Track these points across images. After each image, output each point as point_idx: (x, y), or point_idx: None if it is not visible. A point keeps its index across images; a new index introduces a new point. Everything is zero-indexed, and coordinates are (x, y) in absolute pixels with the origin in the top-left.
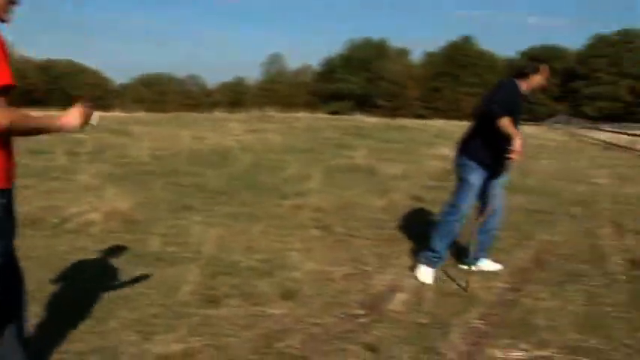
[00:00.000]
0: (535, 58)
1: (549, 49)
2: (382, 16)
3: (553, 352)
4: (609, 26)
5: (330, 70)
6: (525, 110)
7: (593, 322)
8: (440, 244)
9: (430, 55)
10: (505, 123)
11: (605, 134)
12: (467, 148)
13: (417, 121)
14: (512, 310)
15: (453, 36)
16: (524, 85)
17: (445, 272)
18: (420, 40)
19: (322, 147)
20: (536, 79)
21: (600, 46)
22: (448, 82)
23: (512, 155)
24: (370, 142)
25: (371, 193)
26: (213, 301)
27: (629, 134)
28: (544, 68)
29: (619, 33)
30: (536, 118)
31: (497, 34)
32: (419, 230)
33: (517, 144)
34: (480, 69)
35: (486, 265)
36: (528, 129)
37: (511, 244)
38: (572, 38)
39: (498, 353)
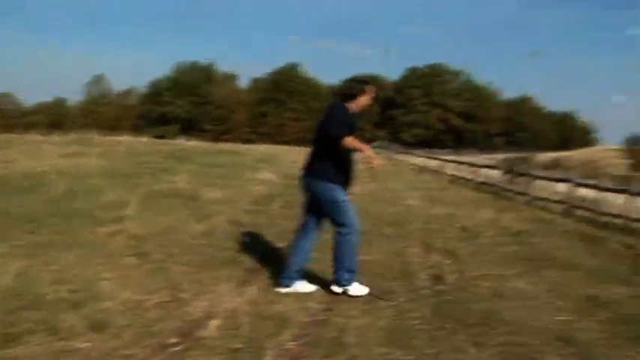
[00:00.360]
0: (361, 80)
1: (371, 79)
2: (211, 40)
3: None
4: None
5: (157, 92)
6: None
7: (400, 335)
8: (352, 261)
9: (257, 81)
10: (349, 140)
11: (419, 159)
12: (318, 172)
13: (242, 145)
14: (324, 329)
15: (281, 62)
16: (352, 106)
17: (261, 295)
18: (248, 64)
19: (143, 172)
20: (363, 100)
21: (413, 77)
22: (274, 108)
23: (370, 164)
24: (193, 167)
25: (191, 218)
26: (12, 340)
27: (438, 159)
28: (370, 89)
29: (429, 67)
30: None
31: (321, 62)
32: (237, 255)
33: (369, 153)
34: (304, 96)
35: (300, 286)
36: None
37: (328, 264)
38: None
39: None
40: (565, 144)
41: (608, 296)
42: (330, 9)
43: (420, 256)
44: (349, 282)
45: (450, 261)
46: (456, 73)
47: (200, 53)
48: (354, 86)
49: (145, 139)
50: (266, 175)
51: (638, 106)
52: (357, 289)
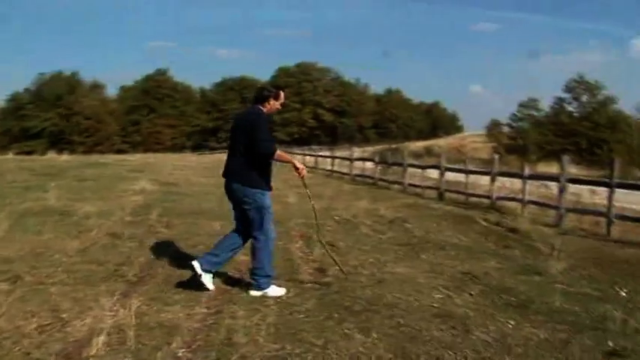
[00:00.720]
0: (274, 85)
1: (242, 80)
2: (73, 49)
3: None
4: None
5: (18, 107)
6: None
7: (288, 330)
8: (269, 266)
9: (126, 89)
10: (279, 154)
11: (296, 157)
12: (248, 179)
13: (115, 156)
14: (214, 333)
15: (148, 69)
16: (265, 109)
17: (147, 306)
18: (114, 73)
19: (9, 191)
20: (275, 104)
21: (284, 77)
22: (146, 115)
23: (301, 174)
24: (64, 182)
25: (65, 235)
26: None
27: (314, 155)
28: (281, 94)
29: (298, 66)
30: None
31: (190, 66)
32: (117, 268)
33: (299, 165)
34: (177, 101)
35: (207, 279)
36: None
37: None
38: (257, 70)
39: None
40: (434, 132)
41: (480, 270)
42: (197, 15)
43: (302, 250)
44: (268, 285)
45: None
46: (324, 71)
47: (61, 64)
48: (268, 90)
49: (10, 155)
50: (142, 184)
51: (492, 95)
52: (275, 290)
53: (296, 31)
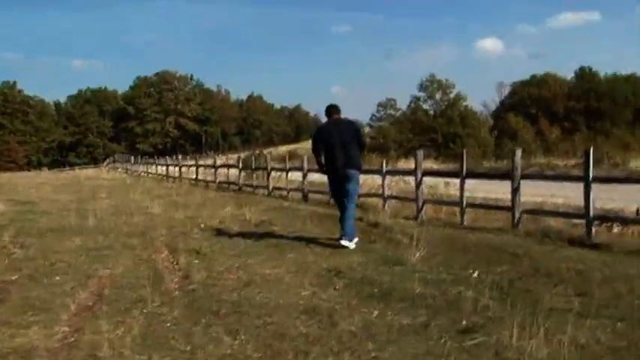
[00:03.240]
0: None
1: (98, 91)
2: None
3: None
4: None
5: None
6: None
7: (155, 339)
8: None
9: None
10: None
11: (160, 167)
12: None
13: None
14: (76, 351)
15: None
16: None
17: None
18: None
19: None
20: None
21: (143, 86)
22: None
23: None
24: None
25: None
26: None
27: (178, 165)
28: None
29: (157, 75)
30: (94, 160)
31: (40, 78)
32: None
33: None
34: (28, 115)
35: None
36: (87, 171)
37: (72, 286)
38: (113, 81)
39: None
40: (298, 136)
41: (344, 265)
42: (45, 25)
43: (168, 260)
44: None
45: (197, 260)
46: (184, 79)
47: None
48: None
49: None
50: None
51: (352, 95)
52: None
53: (151, 37)
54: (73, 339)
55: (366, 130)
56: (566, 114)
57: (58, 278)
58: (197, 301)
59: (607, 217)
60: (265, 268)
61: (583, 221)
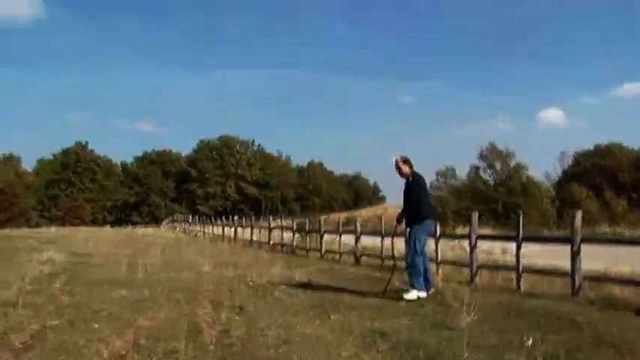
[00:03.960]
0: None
1: (163, 153)
2: None
3: None
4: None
5: None
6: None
7: None
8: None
9: (43, 163)
10: None
11: (217, 228)
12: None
13: (26, 229)
14: None
15: (66, 142)
16: None
17: None
18: (29, 146)
19: None
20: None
21: (206, 150)
22: (65, 189)
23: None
24: None
25: None
26: None
27: (235, 227)
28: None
29: (220, 139)
30: (155, 219)
31: (108, 140)
32: (3, 337)
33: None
34: (96, 174)
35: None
36: (147, 230)
37: (109, 334)
38: (177, 143)
39: None
40: (357, 203)
41: (390, 327)
42: (117, 89)
43: (210, 315)
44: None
45: (239, 317)
46: (246, 144)
47: None
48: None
49: None
50: (51, 254)
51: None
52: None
53: (211, 103)
54: None
55: None
56: (634, 185)
57: (96, 326)
58: (232, 356)
59: None
60: (307, 327)
61: None
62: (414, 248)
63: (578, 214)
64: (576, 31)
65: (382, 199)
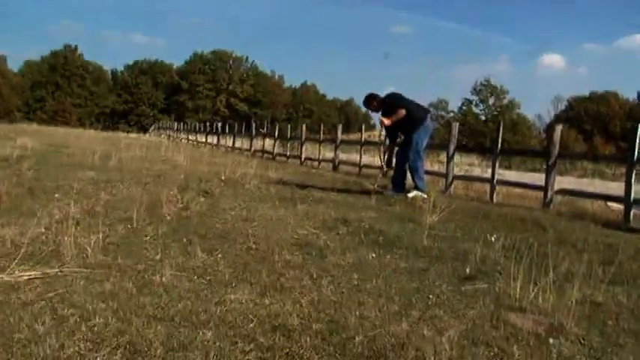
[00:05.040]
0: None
1: (154, 63)
2: None
3: None
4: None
5: None
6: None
7: (127, 247)
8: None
9: (30, 64)
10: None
11: (202, 136)
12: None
13: (7, 126)
14: (38, 245)
15: (56, 45)
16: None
17: None
18: (16, 49)
19: None
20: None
21: (198, 63)
22: (51, 92)
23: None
24: None
25: None
26: None
27: (219, 134)
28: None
29: (213, 52)
30: (144, 129)
31: (100, 48)
32: None
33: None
34: (85, 80)
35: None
36: (131, 134)
37: (67, 203)
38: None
39: None
40: (347, 129)
41: (355, 217)
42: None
43: (174, 195)
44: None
45: (203, 199)
46: (240, 60)
47: None
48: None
49: None
50: (25, 141)
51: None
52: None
53: (212, 21)
54: (43, 237)
55: None
56: (624, 134)
57: (57, 196)
58: (186, 226)
59: None
60: (271, 211)
61: (622, 206)
62: (415, 150)
63: (558, 129)
64: None
65: (372, 127)
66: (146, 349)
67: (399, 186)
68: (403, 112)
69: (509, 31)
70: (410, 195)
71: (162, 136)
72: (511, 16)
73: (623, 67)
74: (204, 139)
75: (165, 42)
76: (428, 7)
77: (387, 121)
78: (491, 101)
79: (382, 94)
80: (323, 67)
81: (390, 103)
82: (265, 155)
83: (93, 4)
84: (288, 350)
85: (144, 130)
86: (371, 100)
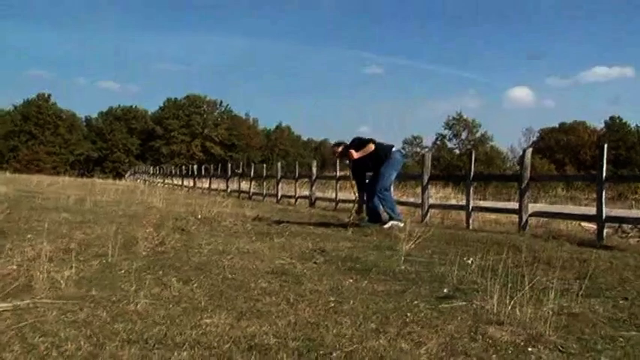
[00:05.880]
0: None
1: (128, 110)
2: None
3: None
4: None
5: None
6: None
7: (101, 280)
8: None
9: (2, 113)
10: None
11: (178, 179)
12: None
13: None
14: (9, 281)
15: (27, 95)
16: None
17: None
18: None
19: None
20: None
21: (171, 107)
22: (25, 142)
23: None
24: None
25: None
26: None
27: (195, 177)
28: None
29: (187, 97)
30: (119, 175)
31: (74, 95)
32: None
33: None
34: (59, 127)
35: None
36: (107, 180)
37: (41, 242)
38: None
39: None
40: (323, 168)
41: (332, 247)
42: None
43: (151, 233)
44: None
45: (179, 236)
46: (213, 103)
47: None
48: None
49: None
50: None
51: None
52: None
53: (182, 66)
54: (15, 273)
55: None
56: (594, 162)
57: (29, 236)
58: (162, 260)
59: (619, 218)
60: (247, 245)
61: (594, 225)
62: (382, 183)
63: (528, 152)
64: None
65: (347, 166)
66: None
67: (375, 217)
68: (372, 146)
69: (475, 67)
70: (386, 226)
71: (139, 180)
72: (476, 51)
73: (588, 99)
74: (180, 182)
75: (138, 88)
76: (396, 48)
77: (355, 155)
78: (464, 135)
79: (355, 134)
80: (296, 109)
81: (358, 143)
82: (242, 195)
83: (62, 53)
84: None
85: (120, 176)
86: (335, 148)
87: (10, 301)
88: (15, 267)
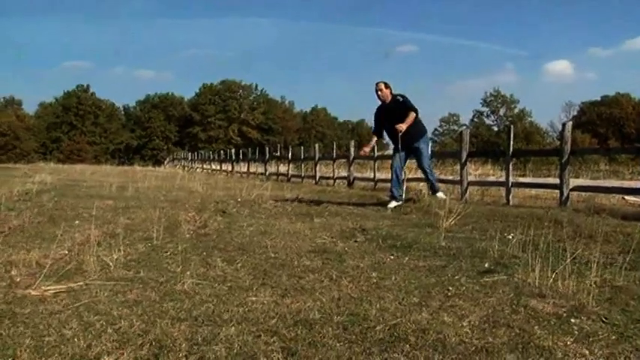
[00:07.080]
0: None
1: (165, 97)
2: None
3: None
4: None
5: None
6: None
7: (148, 262)
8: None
9: (44, 106)
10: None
11: (216, 164)
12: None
13: (26, 165)
14: (62, 264)
15: (66, 86)
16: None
17: None
18: (29, 91)
19: None
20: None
21: (209, 94)
22: (66, 132)
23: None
24: None
25: None
26: None
27: (232, 161)
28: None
29: (222, 83)
30: (159, 162)
31: (110, 86)
32: None
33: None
34: (98, 117)
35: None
36: (147, 168)
37: (88, 228)
38: (179, 89)
39: None
40: (361, 148)
41: (372, 226)
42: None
43: (193, 217)
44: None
45: (220, 218)
46: (249, 88)
47: None
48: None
49: None
50: (44, 177)
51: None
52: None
53: (214, 51)
54: (67, 258)
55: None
56: (639, 135)
57: (77, 222)
58: (205, 242)
59: None
60: (288, 225)
61: (639, 199)
62: (428, 160)
63: (568, 125)
64: None
65: (386, 146)
66: (171, 344)
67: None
68: (414, 115)
69: (511, 41)
70: (441, 196)
71: (178, 167)
72: (512, 24)
73: (633, 69)
74: (218, 167)
75: (172, 75)
76: (430, 25)
77: (403, 126)
78: (502, 112)
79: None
80: (331, 92)
81: (400, 104)
82: (280, 178)
83: (99, 44)
84: (310, 340)
85: (159, 163)
86: (384, 86)
87: (65, 283)
88: (66, 252)
